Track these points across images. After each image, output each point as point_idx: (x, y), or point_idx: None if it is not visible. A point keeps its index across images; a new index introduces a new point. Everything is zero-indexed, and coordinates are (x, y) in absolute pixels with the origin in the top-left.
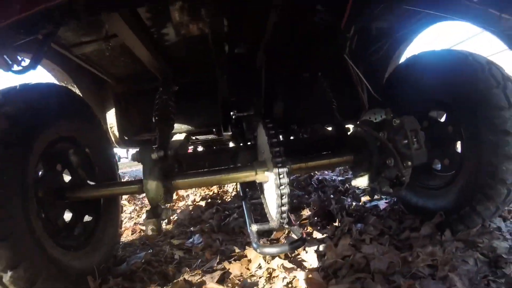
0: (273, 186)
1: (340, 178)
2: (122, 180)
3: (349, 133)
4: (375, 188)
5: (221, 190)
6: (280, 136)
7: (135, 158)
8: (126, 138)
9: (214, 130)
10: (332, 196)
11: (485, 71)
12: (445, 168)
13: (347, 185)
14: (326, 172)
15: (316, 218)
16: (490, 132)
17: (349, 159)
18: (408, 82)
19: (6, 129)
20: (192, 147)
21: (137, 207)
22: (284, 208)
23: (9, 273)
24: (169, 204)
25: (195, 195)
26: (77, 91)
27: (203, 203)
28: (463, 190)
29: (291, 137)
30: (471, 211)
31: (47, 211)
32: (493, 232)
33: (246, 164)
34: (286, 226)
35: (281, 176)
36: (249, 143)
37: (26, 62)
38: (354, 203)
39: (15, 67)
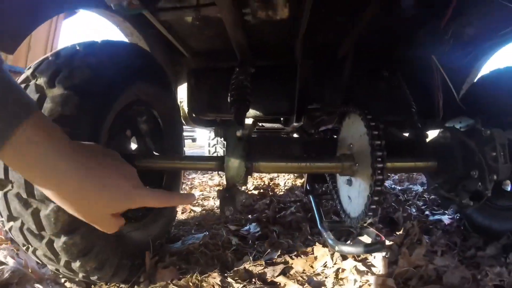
0: (361, 182)
1: (398, 187)
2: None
3: (428, 139)
4: (453, 199)
5: (272, 182)
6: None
7: (218, 133)
8: (194, 115)
9: (282, 119)
10: (393, 204)
11: None
12: None
13: (406, 195)
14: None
15: (380, 224)
16: None
17: (433, 165)
18: (495, 93)
19: (88, 79)
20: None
21: (186, 187)
22: (373, 207)
23: (63, 239)
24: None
25: (248, 183)
26: None
27: (256, 192)
28: None
29: None
30: None
31: None
32: None
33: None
34: (366, 226)
35: (378, 172)
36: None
37: None
38: (416, 214)
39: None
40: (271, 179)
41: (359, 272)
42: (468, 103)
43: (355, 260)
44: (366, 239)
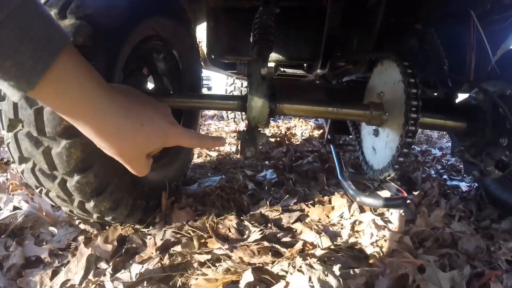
0: (389, 133)
1: (417, 148)
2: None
3: (458, 100)
4: (478, 164)
5: (289, 131)
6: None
7: (242, 70)
8: (213, 57)
9: (305, 65)
10: (414, 163)
11: None
12: None
13: (426, 156)
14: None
15: (398, 181)
16: None
17: (462, 126)
18: None
19: (101, 8)
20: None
21: (202, 131)
22: (401, 160)
23: (76, 178)
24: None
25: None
26: None
27: (272, 140)
28: None
29: None
30: None
31: None
32: None
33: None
34: (388, 180)
35: (412, 122)
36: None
37: None
38: (434, 176)
39: None
40: (288, 129)
41: (377, 226)
42: (503, 68)
43: (374, 213)
44: (385, 193)
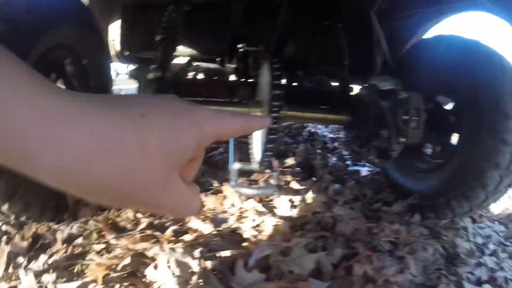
0: (264, 132)
1: (331, 135)
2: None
3: (352, 93)
4: (362, 154)
5: None
6: (284, 80)
7: (132, 75)
8: (127, 53)
9: (218, 59)
10: (319, 151)
11: (506, 76)
12: (435, 155)
13: (336, 143)
14: (320, 126)
15: (298, 168)
16: (489, 136)
17: (345, 119)
18: (425, 59)
19: (4, 32)
20: (193, 73)
21: None
22: (269, 153)
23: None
24: None
25: None
26: None
27: None
28: (444, 181)
29: (294, 83)
30: (445, 204)
31: None
32: (459, 230)
33: (243, 100)
34: (268, 171)
35: (274, 121)
36: (250, 80)
37: None
38: (338, 163)
39: None
40: None
41: (258, 212)
42: (402, 64)
43: (257, 201)
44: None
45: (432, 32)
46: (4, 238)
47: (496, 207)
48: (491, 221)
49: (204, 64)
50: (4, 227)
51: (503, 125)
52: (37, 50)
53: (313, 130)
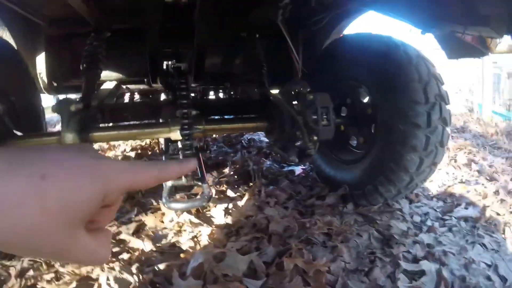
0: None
1: (267, 140)
2: (46, 130)
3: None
4: (285, 155)
5: (153, 141)
6: (212, 92)
7: (54, 109)
8: (55, 84)
9: (145, 80)
10: (254, 156)
11: (411, 65)
12: (359, 146)
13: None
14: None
15: (235, 176)
16: (402, 122)
17: (263, 126)
18: (339, 58)
19: None
20: (128, 94)
21: None
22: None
23: None
24: None
25: (126, 145)
26: (8, 34)
27: (133, 154)
28: (369, 169)
29: (222, 94)
30: (374, 190)
31: None
32: (394, 212)
33: (167, 119)
34: (199, 183)
35: (186, 138)
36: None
37: None
38: (273, 166)
39: None
40: (152, 138)
41: (193, 224)
42: (318, 67)
43: (192, 214)
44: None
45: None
46: None
47: (433, 185)
48: (429, 199)
49: (133, 86)
50: None
51: (414, 111)
52: None
53: (249, 137)
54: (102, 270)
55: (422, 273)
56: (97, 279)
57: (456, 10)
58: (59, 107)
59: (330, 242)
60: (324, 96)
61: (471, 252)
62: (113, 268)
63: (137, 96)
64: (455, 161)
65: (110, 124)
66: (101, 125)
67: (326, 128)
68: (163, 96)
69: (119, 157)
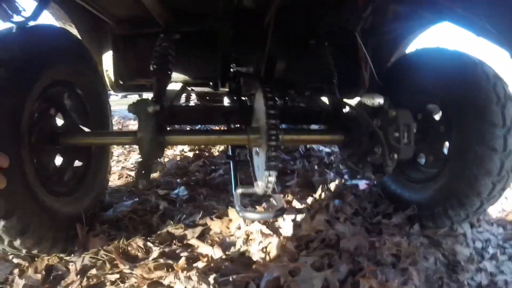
0: (264, 155)
1: (326, 149)
2: (115, 129)
3: (344, 111)
4: (358, 170)
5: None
6: (276, 99)
7: (131, 110)
8: (121, 82)
9: (211, 83)
10: (316, 167)
11: (489, 85)
12: (429, 164)
13: (332, 157)
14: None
15: (298, 187)
16: (479, 144)
17: (340, 139)
18: (413, 72)
19: (1, 77)
20: (186, 94)
21: (125, 150)
22: (271, 179)
23: (2, 223)
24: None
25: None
26: (75, 31)
27: (191, 154)
28: (440, 191)
29: (288, 102)
30: (443, 213)
31: (39, 157)
32: (458, 237)
33: (239, 123)
34: (270, 193)
35: (272, 149)
36: (244, 98)
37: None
38: (336, 179)
39: (16, 17)
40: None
41: (264, 234)
42: (387, 79)
43: (263, 223)
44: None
45: (414, 45)
46: (16, 270)
47: (493, 210)
48: (489, 224)
49: (198, 89)
50: (15, 260)
51: (491, 133)
52: (36, 89)
53: (308, 145)
54: (178, 278)
55: None
56: (169, 287)
57: None
58: (136, 107)
59: (400, 264)
60: (407, 113)
61: None
62: (190, 278)
63: (193, 97)
64: None
65: (188, 128)
66: (176, 127)
67: (407, 147)
68: (226, 100)
69: (178, 157)
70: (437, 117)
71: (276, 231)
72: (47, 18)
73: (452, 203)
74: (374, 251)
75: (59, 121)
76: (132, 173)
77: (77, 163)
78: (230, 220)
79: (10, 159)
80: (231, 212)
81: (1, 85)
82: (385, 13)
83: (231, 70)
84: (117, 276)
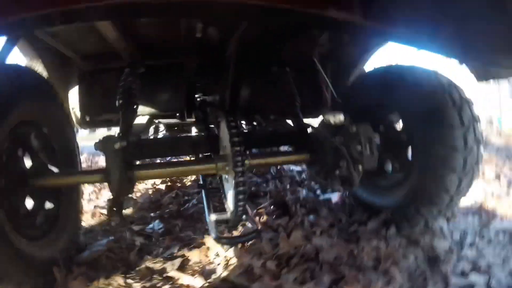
0: (232, 181)
1: (297, 168)
2: (84, 167)
3: (308, 130)
4: (327, 184)
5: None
6: (243, 124)
7: (97, 147)
8: (88, 118)
9: (178, 114)
10: (288, 186)
11: (445, 91)
12: (396, 170)
13: (303, 175)
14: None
15: (272, 207)
16: (441, 146)
17: (306, 158)
18: (371, 87)
19: None
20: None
21: (95, 188)
22: (241, 203)
23: None
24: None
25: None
26: (40, 67)
27: (163, 186)
28: (410, 192)
29: (255, 126)
30: (416, 212)
31: (9, 201)
32: (435, 232)
33: (207, 152)
34: (244, 217)
35: (240, 175)
36: (211, 126)
37: None
38: (309, 195)
39: None
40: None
41: (243, 257)
42: (350, 97)
43: (241, 246)
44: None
45: (371, 62)
46: None
47: (467, 201)
48: (465, 216)
49: (165, 120)
50: None
51: (451, 134)
52: (2, 132)
53: (279, 166)
54: None
55: (471, 286)
56: None
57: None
58: (103, 145)
59: (381, 266)
60: (367, 127)
61: None
62: None
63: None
64: (484, 175)
65: (158, 161)
66: (146, 162)
67: (370, 158)
68: (194, 130)
69: (150, 190)
70: (398, 126)
71: (255, 253)
72: (13, 54)
73: (423, 202)
74: (354, 258)
75: (27, 162)
76: (105, 211)
77: (48, 204)
78: (208, 248)
79: None
80: (208, 240)
81: None
82: (339, 39)
83: (197, 100)
84: None
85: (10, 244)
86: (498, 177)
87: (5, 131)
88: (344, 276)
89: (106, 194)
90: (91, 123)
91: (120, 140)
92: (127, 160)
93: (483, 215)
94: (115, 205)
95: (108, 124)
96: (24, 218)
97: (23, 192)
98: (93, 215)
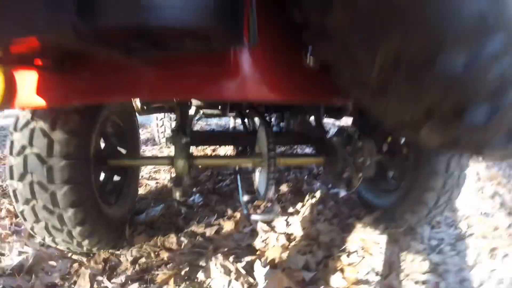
0: (265, 173)
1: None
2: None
3: (328, 135)
4: (335, 182)
5: (214, 153)
6: (273, 120)
7: (170, 141)
8: (145, 107)
9: (219, 107)
10: (305, 177)
11: None
12: (394, 177)
13: (320, 169)
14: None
15: (290, 194)
16: (426, 166)
17: (321, 161)
18: None
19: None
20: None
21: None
22: (270, 192)
23: (78, 229)
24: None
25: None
26: None
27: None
28: (400, 198)
29: (283, 128)
30: (401, 216)
31: (97, 176)
32: (415, 235)
33: (244, 145)
34: (268, 200)
35: (272, 170)
36: (245, 120)
37: None
38: (322, 187)
39: None
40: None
41: (264, 231)
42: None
43: (263, 223)
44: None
45: None
46: (75, 265)
47: (456, 214)
48: (448, 227)
49: (208, 111)
50: (74, 257)
51: (435, 158)
52: (99, 121)
53: None
54: (210, 259)
55: (424, 282)
56: (201, 266)
57: None
58: (173, 139)
59: (362, 252)
60: (370, 144)
61: (468, 273)
62: (217, 258)
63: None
64: (482, 192)
65: (213, 154)
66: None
67: (369, 168)
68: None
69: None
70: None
71: (273, 229)
72: None
73: (407, 209)
74: (344, 243)
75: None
76: (150, 182)
77: (116, 177)
78: (238, 221)
79: (84, 178)
80: (238, 214)
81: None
82: None
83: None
84: (161, 262)
85: (99, 208)
86: (494, 196)
87: (100, 124)
88: (332, 254)
89: (148, 168)
90: (148, 111)
91: (185, 137)
92: (188, 151)
93: (464, 230)
94: (177, 183)
95: (161, 110)
96: (102, 188)
97: (105, 169)
98: (140, 185)
